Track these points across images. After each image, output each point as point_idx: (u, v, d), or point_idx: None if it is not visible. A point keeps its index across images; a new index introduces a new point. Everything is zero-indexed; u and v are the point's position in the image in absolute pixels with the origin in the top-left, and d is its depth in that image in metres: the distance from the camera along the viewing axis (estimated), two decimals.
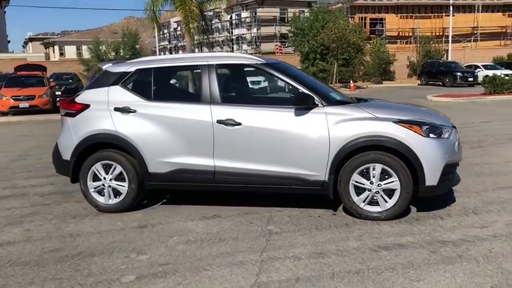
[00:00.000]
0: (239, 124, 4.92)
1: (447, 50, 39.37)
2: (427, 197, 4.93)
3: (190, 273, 3.72)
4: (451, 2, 37.93)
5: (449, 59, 36.55)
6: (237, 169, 4.98)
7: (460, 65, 32.27)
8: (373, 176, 4.74)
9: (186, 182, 5.17)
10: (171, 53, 59.88)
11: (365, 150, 4.74)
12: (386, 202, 4.77)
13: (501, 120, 12.66)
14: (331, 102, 5.01)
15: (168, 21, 64.33)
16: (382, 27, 46.69)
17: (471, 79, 29.39)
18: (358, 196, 4.81)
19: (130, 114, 5.18)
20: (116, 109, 5.22)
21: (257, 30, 50.45)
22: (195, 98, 5.34)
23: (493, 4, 48.72)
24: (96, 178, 5.28)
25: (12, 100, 18.13)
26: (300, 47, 33.89)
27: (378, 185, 4.75)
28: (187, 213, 5.24)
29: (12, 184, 6.96)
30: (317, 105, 4.85)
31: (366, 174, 4.77)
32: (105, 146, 5.26)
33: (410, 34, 45.83)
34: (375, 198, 4.79)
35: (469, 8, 47.26)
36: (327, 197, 4.98)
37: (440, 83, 30.49)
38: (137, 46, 40.12)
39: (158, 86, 5.41)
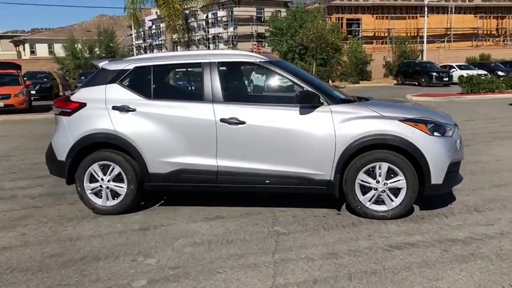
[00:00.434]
0: (243, 123, 4.81)
1: (422, 50, 40.06)
2: (428, 195, 4.90)
3: (203, 276, 3.61)
4: (425, 3, 38.54)
5: (425, 59, 37.16)
6: (240, 169, 4.87)
7: (435, 65, 32.89)
8: (379, 175, 4.71)
9: (188, 183, 5.03)
10: (145, 52, 59.11)
11: (371, 149, 4.70)
12: (393, 201, 4.75)
13: (483, 119, 12.89)
14: (335, 100, 4.95)
15: (142, 19, 63.40)
16: (359, 27, 47.16)
17: (446, 79, 30.04)
18: (364, 195, 4.77)
19: (130, 113, 5.01)
20: (114, 108, 5.04)
21: (234, 29, 50.26)
22: (197, 96, 5.20)
23: (465, 6, 49.79)
24: (93, 179, 5.08)
25: None
26: (278, 46, 33.97)
27: (384, 184, 4.72)
28: (188, 214, 5.10)
29: None
30: (322, 104, 4.79)
31: (371, 173, 4.73)
32: (102, 146, 5.07)
33: (386, 34, 46.43)
34: (381, 197, 4.76)
35: (442, 10, 48.15)
36: (328, 196, 4.94)
37: (416, 83, 31.08)
38: (111, 44, 39.63)
39: (158, 84, 5.26)
